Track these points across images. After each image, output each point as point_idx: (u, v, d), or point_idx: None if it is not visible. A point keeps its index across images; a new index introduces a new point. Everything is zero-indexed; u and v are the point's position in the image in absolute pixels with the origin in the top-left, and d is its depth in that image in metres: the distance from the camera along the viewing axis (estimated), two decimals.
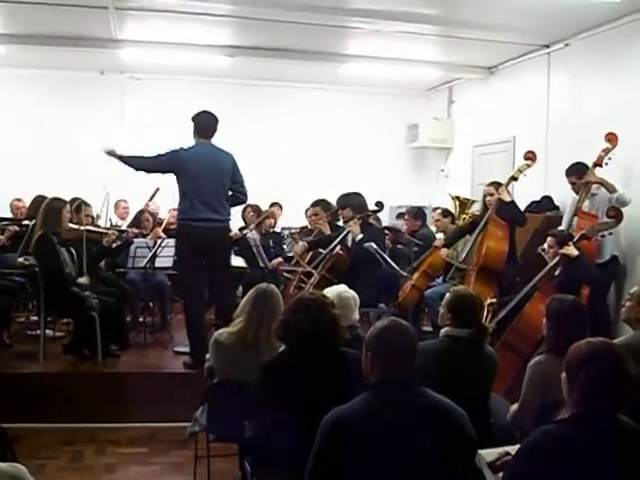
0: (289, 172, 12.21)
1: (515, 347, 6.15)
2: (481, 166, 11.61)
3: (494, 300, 6.61)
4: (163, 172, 7.37)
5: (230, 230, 7.71)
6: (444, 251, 8.09)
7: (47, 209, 7.30)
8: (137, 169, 7.36)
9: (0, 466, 2.34)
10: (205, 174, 7.14)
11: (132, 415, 6.67)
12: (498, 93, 11.10)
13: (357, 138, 12.86)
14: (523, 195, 9.01)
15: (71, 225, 7.61)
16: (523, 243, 8.19)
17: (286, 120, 12.71)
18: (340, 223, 8.47)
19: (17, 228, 8.25)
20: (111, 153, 7.31)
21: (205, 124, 7.38)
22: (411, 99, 13.24)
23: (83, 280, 7.28)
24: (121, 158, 7.28)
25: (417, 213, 9.92)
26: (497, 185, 7.76)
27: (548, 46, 9.63)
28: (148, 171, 7.43)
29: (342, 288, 5.17)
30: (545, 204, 9.09)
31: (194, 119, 7.39)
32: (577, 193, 7.56)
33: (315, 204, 8.74)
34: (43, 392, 6.59)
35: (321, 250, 8.14)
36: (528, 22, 8.58)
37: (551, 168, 9.08)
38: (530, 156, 7.81)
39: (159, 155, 7.23)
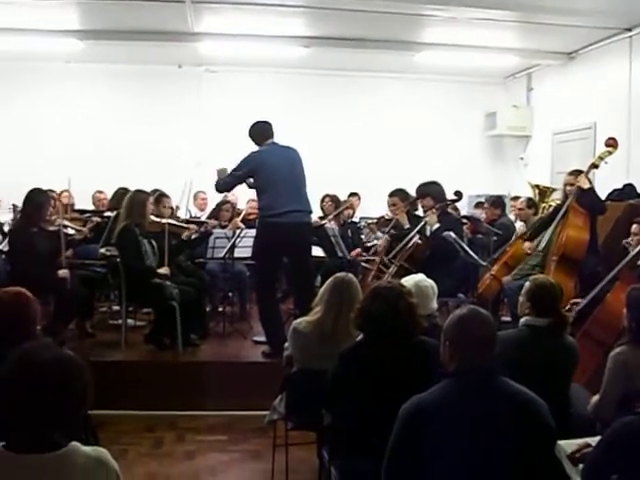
0: (366, 161, 12.21)
1: (596, 337, 6.03)
2: (561, 154, 11.45)
3: (578, 300, 6.46)
4: (244, 181, 7.43)
5: (312, 224, 7.78)
6: (527, 244, 7.95)
7: (132, 201, 7.43)
8: (220, 192, 7.97)
9: (85, 450, 2.39)
10: (282, 168, 7.16)
11: (211, 403, 6.75)
12: (578, 79, 10.91)
13: (434, 127, 12.80)
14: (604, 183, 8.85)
15: (153, 218, 7.74)
16: (605, 232, 8.03)
17: (362, 110, 12.72)
18: (418, 213, 8.41)
19: (99, 219, 8.42)
20: (220, 173, 7.51)
21: (262, 129, 7.41)
22: (489, 87, 13.12)
23: (163, 271, 7.39)
24: (219, 191, 7.76)
25: (496, 202, 9.82)
26: (577, 173, 7.60)
27: (630, 29, 9.43)
28: (230, 189, 7.96)
29: (420, 277, 5.14)
30: (627, 192, 8.90)
31: (250, 132, 7.43)
32: None
33: (393, 194, 8.69)
34: (125, 380, 6.71)
35: None
36: (609, 5, 8.42)
37: (634, 155, 8.91)
38: (611, 143, 7.61)
39: (232, 170, 7.33)
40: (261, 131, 7.38)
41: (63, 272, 7.23)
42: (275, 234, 7.06)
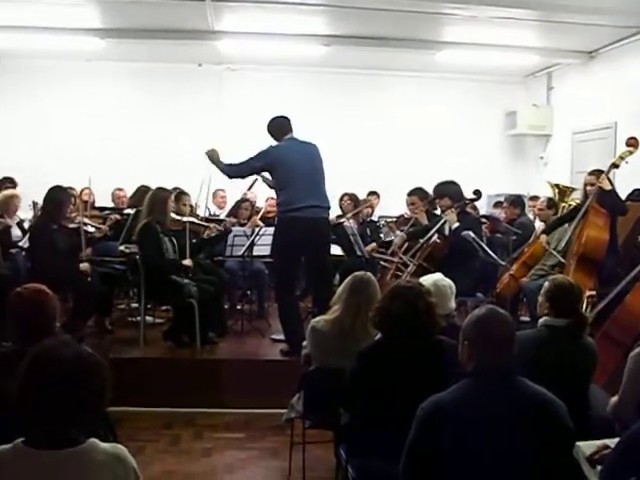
0: (385, 161, 12.20)
1: (616, 338, 6.00)
2: (581, 153, 11.40)
3: (593, 292, 6.45)
4: (258, 172, 7.47)
5: (330, 220, 7.81)
6: (543, 238, 7.95)
7: (153, 198, 7.47)
8: (231, 177, 7.64)
9: (103, 446, 2.41)
10: (300, 163, 7.17)
11: (229, 401, 6.76)
12: (599, 78, 10.85)
13: (454, 126, 12.76)
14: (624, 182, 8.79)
15: (175, 216, 7.77)
16: (624, 232, 7.99)
17: (382, 108, 12.70)
18: (437, 212, 8.40)
19: (118, 217, 8.46)
20: (212, 156, 7.43)
21: (280, 124, 7.42)
22: (509, 86, 13.06)
23: (187, 262, 7.43)
24: (218, 165, 7.45)
25: (516, 201, 9.79)
26: (598, 173, 7.57)
27: None
28: (244, 177, 7.66)
29: (438, 276, 5.13)
30: None
31: (269, 128, 7.43)
32: None
33: (411, 193, 8.68)
34: (143, 377, 6.74)
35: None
36: (629, 4, 8.37)
37: None
38: (632, 142, 7.56)
39: (249, 159, 7.29)
40: (279, 126, 7.39)
41: (84, 265, 7.29)
42: (293, 229, 7.06)
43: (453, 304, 5.11)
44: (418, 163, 11.94)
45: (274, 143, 7.37)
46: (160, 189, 7.60)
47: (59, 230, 7.38)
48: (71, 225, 7.72)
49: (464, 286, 6.58)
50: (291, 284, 7.53)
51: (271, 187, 7.52)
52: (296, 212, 7.03)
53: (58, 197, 7.43)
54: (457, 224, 7.64)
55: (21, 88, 11.91)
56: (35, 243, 7.36)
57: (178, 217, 7.84)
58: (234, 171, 7.48)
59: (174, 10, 9.05)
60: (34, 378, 2.35)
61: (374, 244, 9.07)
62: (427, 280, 4.82)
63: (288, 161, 7.16)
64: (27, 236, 7.67)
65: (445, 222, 7.81)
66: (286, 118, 7.44)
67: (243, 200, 9.64)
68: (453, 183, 8.02)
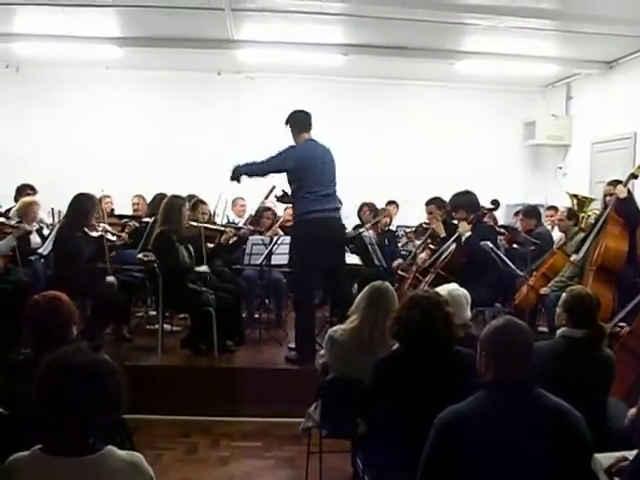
0: (404, 170, 12.19)
1: (634, 350, 5.97)
2: (600, 164, 11.36)
3: (623, 324, 6.36)
4: (280, 171, 7.36)
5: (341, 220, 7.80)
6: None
7: (168, 207, 7.48)
8: (258, 176, 7.46)
9: (120, 454, 2.42)
10: (321, 166, 7.22)
11: (246, 410, 6.77)
12: (618, 88, 10.81)
13: (472, 135, 12.74)
14: None
15: (190, 222, 7.78)
16: None
17: (400, 118, 12.70)
18: (455, 222, 8.37)
19: (137, 224, 8.48)
20: (235, 177, 7.42)
21: (303, 119, 7.38)
22: (528, 96, 13.05)
23: (203, 268, 7.44)
24: (246, 174, 7.39)
25: (531, 212, 9.70)
26: (616, 183, 7.55)
27: None
28: (264, 175, 7.46)
29: (453, 286, 5.13)
30: None
31: (289, 120, 7.38)
32: None
33: (429, 202, 8.67)
34: (161, 385, 6.76)
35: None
36: None
37: None
38: None
39: (271, 157, 7.25)
40: (303, 121, 7.37)
41: (111, 279, 7.35)
42: (314, 230, 7.10)
43: (469, 313, 5.10)
44: (436, 172, 11.92)
45: (292, 142, 7.37)
46: (175, 197, 7.62)
47: (83, 238, 7.39)
48: (93, 233, 7.71)
49: (482, 296, 6.56)
50: (310, 291, 7.52)
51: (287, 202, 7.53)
52: (317, 214, 7.10)
53: (84, 205, 7.38)
54: (469, 234, 7.60)
55: (41, 96, 11.97)
56: (60, 250, 7.35)
57: (194, 223, 7.86)
58: (254, 170, 7.39)
59: (193, 19, 9.09)
60: (48, 385, 2.37)
61: (400, 260, 9.10)
62: (442, 290, 4.82)
63: (311, 163, 7.19)
64: (50, 242, 7.67)
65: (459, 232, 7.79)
66: (308, 114, 7.40)
67: (266, 209, 9.60)
68: (468, 193, 7.96)
